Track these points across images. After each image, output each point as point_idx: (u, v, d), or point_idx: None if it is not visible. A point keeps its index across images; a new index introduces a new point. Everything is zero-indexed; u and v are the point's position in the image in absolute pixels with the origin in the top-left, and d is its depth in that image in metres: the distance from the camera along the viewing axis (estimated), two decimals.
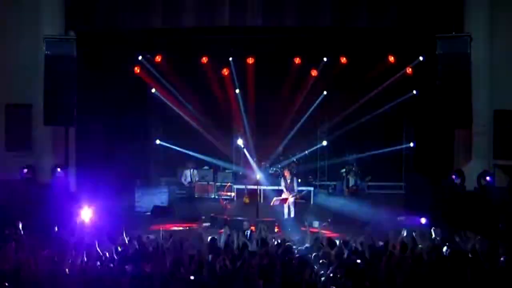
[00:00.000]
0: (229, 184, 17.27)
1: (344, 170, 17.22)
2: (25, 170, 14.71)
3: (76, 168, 15.91)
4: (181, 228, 14.59)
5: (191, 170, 17.29)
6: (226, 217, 15.38)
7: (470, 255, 9.33)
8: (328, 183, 18.63)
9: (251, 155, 17.44)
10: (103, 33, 15.69)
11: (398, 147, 18.27)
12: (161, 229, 11.57)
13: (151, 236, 11.10)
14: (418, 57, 16.39)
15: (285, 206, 15.72)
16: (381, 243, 10.31)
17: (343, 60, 16.93)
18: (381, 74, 16.93)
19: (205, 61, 17.34)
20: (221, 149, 18.31)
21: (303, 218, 15.51)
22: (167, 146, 18.46)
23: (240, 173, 17.68)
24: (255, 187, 16.21)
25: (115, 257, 9.34)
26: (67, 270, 8.30)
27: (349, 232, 13.02)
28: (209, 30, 15.90)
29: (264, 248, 9.96)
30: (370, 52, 16.81)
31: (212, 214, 15.71)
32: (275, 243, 10.56)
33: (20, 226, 10.86)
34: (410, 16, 14.98)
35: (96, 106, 16.37)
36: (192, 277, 8.15)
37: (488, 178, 14.28)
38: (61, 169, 15.07)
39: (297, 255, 9.55)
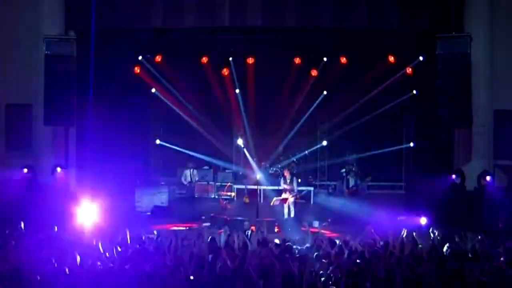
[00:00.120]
0: (229, 184, 17.27)
1: (344, 170, 17.22)
2: (25, 170, 14.72)
3: (76, 168, 15.92)
4: (181, 228, 14.58)
5: (191, 170, 17.29)
6: (226, 217, 15.38)
7: (470, 255, 9.33)
8: (328, 183, 18.63)
9: (251, 155, 17.45)
10: (103, 33, 15.68)
11: (398, 147, 18.28)
12: (154, 231, 11.54)
13: (151, 236, 11.10)
14: (418, 57, 16.40)
15: (285, 206, 15.72)
16: (381, 243, 10.31)
17: (343, 60, 16.93)
18: (381, 74, 16.93)
19: (205, 61, 17.34)
20: (221, 149, 18.31)
21: (303, 218, 15.53)
22: (167, 146, 18.47)
23: (240, 173, 17.69)
24: (255, 187, 16.22)
25: (115, 257, 9.33)
26: (67, 270, 8.30)
27: (349, 232, 13.02)
28: (209, 30, 15.90)
29: (264, 248, 9.95)
30: (370, 52, 16.81)
31: (212, 214, 15.72)
32: (275, 243, 10.56)
33: (21, 226, 10.86)
34: (410, 16, 14.99)
35: (96, 106, 16.35)
36: (192, 277, 8.15)
37: (488, 178, 14.29)
38: (61, 169, 15.08)
39: (297, 255, 9.56)
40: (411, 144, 17.86)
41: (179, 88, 17.87)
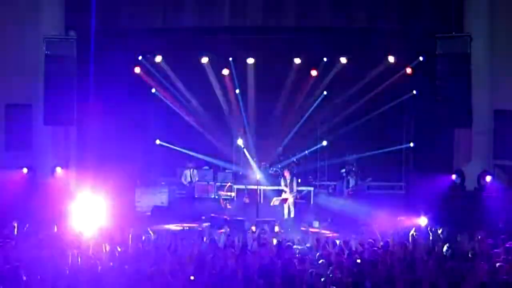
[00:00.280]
0: (229, 184, 17.26)
1: (344, 170, 17.20)
2: (25, 170, 14.72)
3: (76, 168, 15.91)
4: (181, 228, 14.59)
5: (191, 170, 17.28)
6: (226, 217, 15.38)
7: (470, 255, 9.34)
8: (328, 183, 18.60)
9: (251, 155, 17.44)
10: (103, 33, 15.68)
11: (398, 147, 18.26)
12: (151, 231, 11.54)
13: (151, 236, 11.10)
14: (418, 57, 16.38)
15: (285, 206, 15.72)
16: (381, 243, 10.32)
17: (343, 60, 16.92)
18: (381, 74, 16.92)
19: (205, 61, 17.33)
20: (221, 149, 18.30)
21: (303, 218, 15.54)
22: (167, 146, 18.46)
23: (240, 173, 17.66)
24: (255, 187, 16.20)
25: (115, 257, 9.34)
26: (67, 270, 8.30)
27: (349, 232, 13.03)
28: (209, 30, 15.88)
29: (264, 248, 9.96)
30: (370, 52, 16.80)
31: (212, 214, 15.71)
32: (275, 243, 10.56)
33: (21, 226, 10.87)
34: (410, 16, 14.98)
35: (96, 106, 16.35)
36: (192, 277, 8.15)
37: (488, 178, 14.30)
38: (61, 169, 15.08)
39: (297, 255, 9.56)
40: (411, 144, 17.84)
41: (179, 88, 17.86)
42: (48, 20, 15.28)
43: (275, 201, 15.64)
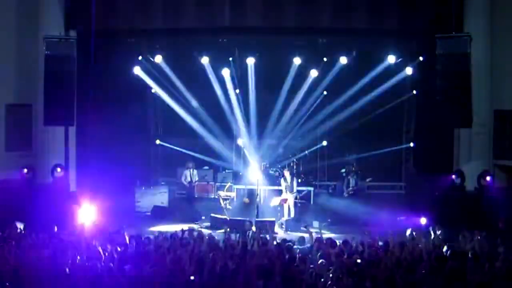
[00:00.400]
0: (229, 184, 17.25)
1: (344, 170, 17.20)
2: (25, 170, 14.72)
3: (76, 168, 15.92)
4: (181, 228, 14.56)
5: (191, 170, 17.27)
6: (226, 217, 15.38)
7: (470, 255, 9.33)
8: (328, 183, 18.59)
9: (251, 155, 17.44)
10: (103, 33, 15.68)
11: (398, 147, 18.27)
12: (154, 231, 11.54)
13: (151, 236, 11.10)
14: (418, 57, 16.39)
15: (285, 206, 15.71)
16: (381, 243, 10.32)
17: (343, 60, 16.91)
18: (381, 74, 16.92)
19: (205, 61, 17.33)
20: (221, 149, 18.29)
21: (303, 218, 15.53)
22: (167, 146, 18.46)
23: (240, 173, 17.66)
24: (255, 187, 16.20)
25: (115, 257, 9.33)
26: (67, 270, 8.30)
27: (349, 232, 13.03)
28: (209, 30, 15.88)
29: (264, 248, 9.96)
30: (370, 52, 16.80)
31: (212, 214, 15.71)
32: (275, 243, 10.56)
33: (21, 226, 10.87)
34: (410, 16, 14.98)
35: (96, 106, 16.35)
36: (192, 277, 8.15)
37: (488, 178, 14.29)
38: (61, 169, 15.08)
39: (297, 255, 9.56)
40: (411, 144, 17.85)
41: (179, 88, 17.85)
42: (48, 20, 15.28)
43: (275, 201, 15.63)
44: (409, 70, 16.71)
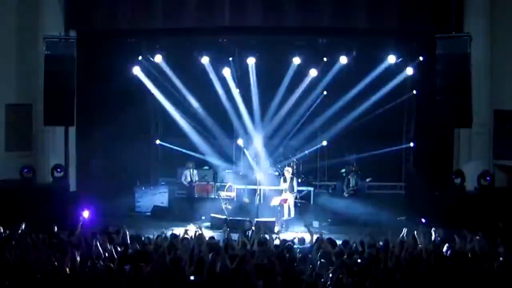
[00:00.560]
0: (229, 184, 17.26)
1: (344, 170, 17.19)
2: (25, 170, 14.72)
3: (76, 168, 15.91)
4: (181, 228, 14.57)
5: (191, 170, 17.27)
6: (226, 217, 15.38)
7: (470, 255, 9.33)
8: (328, 183, 18.61)
9: (251, 155, 17.44)
10: (103, 33, 15.69)
11: (398, 147, 18.28)
12: (154, 232, 11.54)
13: (151, 236, 11.09)
14: (418, 57, 16.39)
15: (285, 206, 15.71)
16: (381, 243, 10.31)
17: (343, 60, 16.91)
18: (381, 74, 16.93)
19: (205, 61, 17.33)
20: (221, 149, 18.30)
21: (303, 218, 15.53)
22: (167, 146, 18.46)
23: (240, 173, 17.66)
24: (255, 187, 16.20)
25: (115, 257, 9.33)
26: (67, 270, 8.30)
27: (349, 232, 13.02)
28: (209, 30, 15.89)
29: (264, 248, 9.95)
30: (370, 52, 16.80)
31: (212, 214, 15.71)
32: (275, 243, 10.56)
33: (21, 226, 10.86)
34: (410, 16, 14.98)
35: (96, 106, 16.37)
36: (192, 277, 8.14)
37: (488, 178, 14.29)
38: (61, 169, 15.08)
39: (297, 255, 9.56)
40: (411, 144, 17.85)
41: (179, 88, 17.86)
42: (48, 20, 15.28)
43: (275, 201, 15.63)
44: (409, 70, 16.73)
